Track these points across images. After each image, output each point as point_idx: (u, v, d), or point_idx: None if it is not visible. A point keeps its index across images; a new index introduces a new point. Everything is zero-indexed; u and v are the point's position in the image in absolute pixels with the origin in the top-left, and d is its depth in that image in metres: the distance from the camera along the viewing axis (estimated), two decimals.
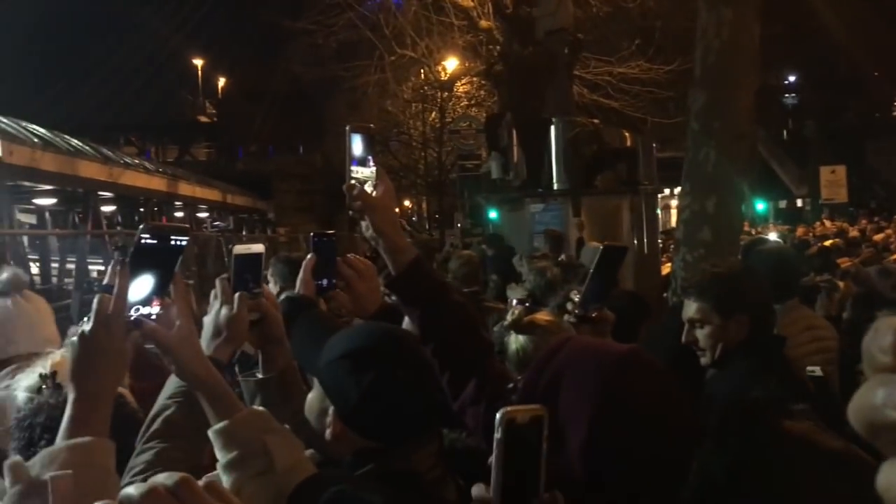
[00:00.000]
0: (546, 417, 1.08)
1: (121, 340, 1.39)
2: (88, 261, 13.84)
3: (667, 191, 19.70)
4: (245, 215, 34.94)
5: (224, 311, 1.73)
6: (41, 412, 1.80)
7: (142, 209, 23.89)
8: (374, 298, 2.18)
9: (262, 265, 1.83)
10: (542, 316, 2.62)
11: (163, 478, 0.80)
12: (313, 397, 1.66)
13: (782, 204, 34.64)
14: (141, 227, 1.44)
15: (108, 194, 19.95)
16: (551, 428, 1.08)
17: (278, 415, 1.64)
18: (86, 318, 1.38)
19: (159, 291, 1.45)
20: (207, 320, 1.74)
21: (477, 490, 1.14)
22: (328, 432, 1.52)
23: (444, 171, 25.81)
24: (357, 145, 1.83)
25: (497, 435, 1.06)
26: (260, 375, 1.85)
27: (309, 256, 2.17)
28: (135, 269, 1.39)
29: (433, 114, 25.68)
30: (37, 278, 14.42)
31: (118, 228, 17.90)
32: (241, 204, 34.60)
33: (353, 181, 1.80)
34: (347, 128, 1.84)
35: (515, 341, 2.57)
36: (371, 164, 1.84)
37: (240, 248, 1.81)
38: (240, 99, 53.30)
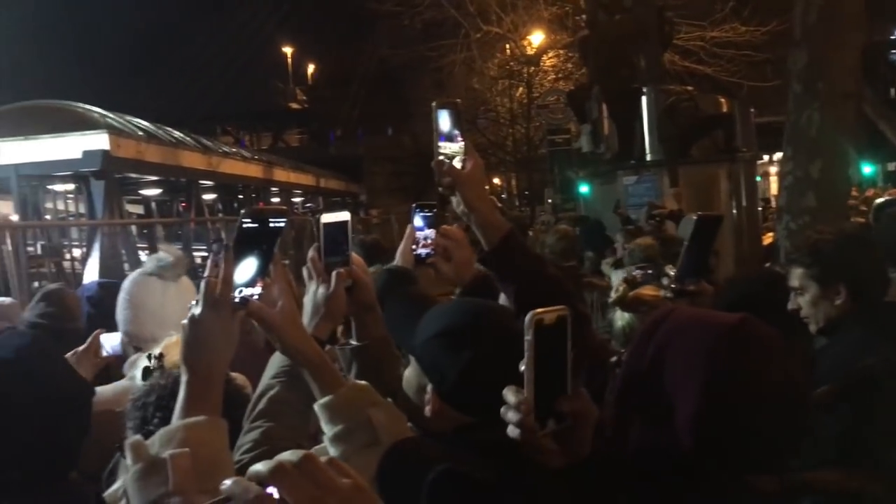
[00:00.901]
0: (570, 317, 1.17)
1: (228, 322, 1.42)
2: (193, 248, 14.37)
3: (766, 157, 18.94)
4: (338, 198, 35.55)
5: (321, 289, 1.75)
6: (153, 392, 1.87)
7: (240, 196, 24.62)
8: (469, 267, 2.16)
9: (350, 232, 1.83)
10: (648, 291, 2.55)
11: (288, 455, 0.83)
12: (410, 374, 1.67)
13: (892, 166, 32.84)
14: (242, 211, 1.48)
15: (208, 183, 20.63)
16: (656, 400, 1.07)
17: (374, 382, 1.66)
18: (194, 302, 1.43)
19: (261, 272, 1.49)
20: (306, 300, 1.76)
21: (509, 392, 1.17)
22: (427, 409, 1.53)
23: (532, 147, 25.58)
24: (444, 121, 1.82)
25: (527, 336, 1.13)
26: (354, 343, 1.87)
27: (409, 227, 2.17)
28: (238, 252, 1.43)
29: (520, 89, 25.46)
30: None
31: (220, 215, 18.49)
32: (333, 187, 35.23)
33: (441, 157, 1.80)
34: (433, 104, 1.84)
35: (622, 318, 2.53)
36: (459, 139, 1.83)
37: (327, 217, 1.81)
38: (329, 84, 54.09)
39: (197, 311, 1.41)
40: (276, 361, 1.73)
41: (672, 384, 1.30)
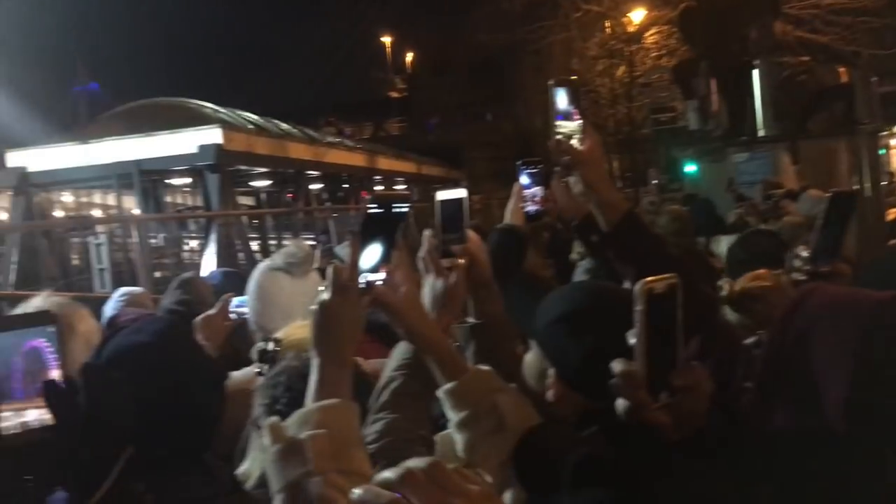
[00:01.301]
0: (680, 286, 1.12)
1: (355, 307, 1.45)
2: (302, 236, 14.78)
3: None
4: (438, 185, 35.77)
5: (439, 283, 1.73)
6: (283, 374, 1.92)
7: (345, 185, 25.13)
8: (579, 209, 2.07)
9: (466, 209, 1.80)
10: (758, 283, 2.42)
11: (415, 461, 0.83)
12: (531, 359, 1.65)
13: None
14: (368, 197, 1.51)
15: (314, 173, 21.13)
16: (803, 381, 1.03)
17: (492, 360, 1.66)
18: (322, 288, 1.46)
19: (385, 258, 1.50)
20: (424, 293, 1.74)
21: (619, 364, 1.15)
22: (550, 394, 1.52)
23: (635, 127, 25.02)
24: (561, 99, 1.79)
25: (637, 307, 1.11)
26: (472, 321, 1.85)
27: (516, 185, 2.14)
28: (363, 238, 1.46)
29: (621, 68, 24.91)
30: (258, 255, 15.61)
31: (327, 204, 18.96)
32: (435, 174, 35.48)
33: (558, 136, 1.78)
34: (550, 82, 1.81)
35: (731, 314, 2.42)
36: (576, 117, 1.79)
37: (442, 194, 1.79)
38: (428, 72, 54.36)
39: (325, 296, 1.43)
40: (399, 353, 1.73)
41: (821, 365, 1.25)
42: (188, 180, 16.70)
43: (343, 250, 5.65)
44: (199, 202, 16.30)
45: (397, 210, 1.50)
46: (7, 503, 1.31)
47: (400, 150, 33.64)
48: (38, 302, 2.49)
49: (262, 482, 1.98)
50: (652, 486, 1.23)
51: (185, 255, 13.44)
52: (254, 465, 2.08)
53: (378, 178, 27.67)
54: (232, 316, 3.03)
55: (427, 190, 32.42)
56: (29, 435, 1.31)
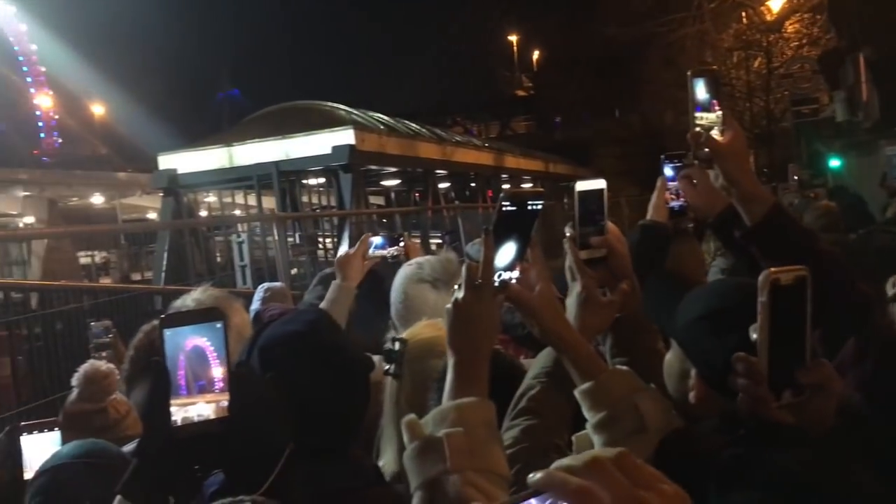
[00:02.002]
0: (809, 278, 1.04)
1: (490, 305, 1.44)
2: (430, 235, 14.98)
3: None
4: (566, 183, 35.43)
5: (584, 293, 1.69)
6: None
7: (472, 184, 25.30)
8: (719, 199, 1.97)
9: (605, 200, 1.77)
10: None
11: (603, 451, 0.82)
12: (672, 358, 1.61)
13: None
14: (501, 195, 1.49)
15: (443, 172, 21.39)
16: None
17: (629, 355, 1.63)
18: (457, 286, 1.47)
19: (520, 256, 1.49)
20: (569, 301, 1.71)
21: (739, 359, 1.11)
22: (691, 395, 1.48)
23: (773, 121, 23.91)
24: (700, 90, 1.75)
25: (761, 298, 1.05)
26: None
27: (660, 179, 2.08)
28: (498, 236, 1.45)
29: (758, 60, 23.85)
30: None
31: (456, 203, 19.16)
32: (562, 172, 35.16)
33: (697, 128, 1.74)
34: (689, 73, 1.76)
35: None
36: (716, 108, 1.74)
37: (582, 185, 1.76)
38: (554, 69, 53.87)
39: (460, 294, 1.44)
40: (539, 361, 1.72)
41: None
42: (322, 180, 17.27)
43: (473, 249, 5.69)
44: (332, 201, 16.82)
45: (532, 207, 1.48)
46: (176, 490, 1.37)
47: (526, 148, 33.53)
48: (196, 295, 2.64)
49: (400, 477, 2.05)
50: (803, 488, 1.19)
51: (320, 252, 13.90)
52: (390, 459, 2.15)
53: (505, 176, 27.69)
54: (371, 255, 3.15)
55: (554, 188, 32.18)
56: (195, 427, 1.36)
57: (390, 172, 19.62)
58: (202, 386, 1.38)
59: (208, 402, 1.38)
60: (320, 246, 14.01)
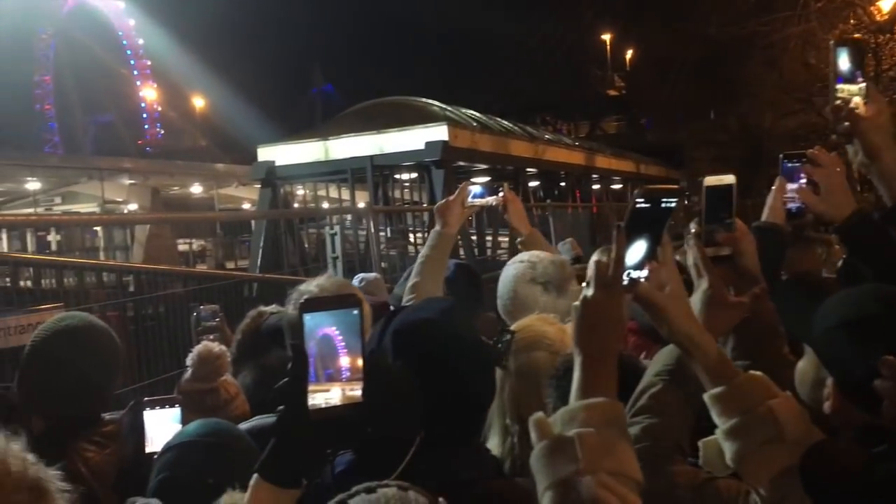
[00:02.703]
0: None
1: (619, 304, 1.41)
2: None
3: None
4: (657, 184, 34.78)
5: (710, 290, 1.64)
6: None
7: (562, 183, 25.11)
8: (846, 200, 1.88)
9: (735, 197, 1.72)
10: None
11: None
12: (806, 366, 1.55)
13: None
14: (636, 191, 1.45)
15: (533, 170, 21.30)
16: None
17: (752, 360, 1.56)
18: (585, 284, 1.44)
19: (650, 255, 1.46)
20: (695, 298, 1.66)
21: (887, 362, 1.08)
22: (827, 405, 1.43)
23: None
24: (843, 60, 1.67)
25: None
26: None
27: (779, 179, 2.00)
28: (629, 233, 1.42)
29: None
30: (474, 250, 15.98)
31: (548, 202, 19.02)
32: (653, 174, 34.53)
33: (838, 101, 1.65)
34: (832, 43, 1.69)
35: None
36: (860, 79, 1.67)
37: (711, 180, 1.72)
38: (648, 69, 53.02)
39: (588, 292, 1.41)
40: (660, 359, 1.68)
41: None
42: (413, 175, 17.44)
43: (563, 248, 5.62)
44: (419, 197, 16.96)
45: (666, 205, 1.43)
46: (309, 471, 1.40)
47: (617, 148, 33.07)
48: (320, 281, 2.68)
49: (517, 470, 2.03)
50: None
51: (410, 247, 14.04)
52: (494, 447, 2.14)
53: (595, 176, 27.37)
54: (469, 203, 3.13)
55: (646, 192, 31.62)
56: (329, 412, 1.37)
57: (480, 169, 19.65)
58: (330, 374, 1.39)
59: (336, 390, 1.40)
60: (410, 240, 14.14)
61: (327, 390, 1.38)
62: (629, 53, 59.32)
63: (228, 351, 3.59)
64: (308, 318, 1.38)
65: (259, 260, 14.02)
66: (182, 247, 29.71)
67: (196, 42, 59.12)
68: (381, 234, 12.28)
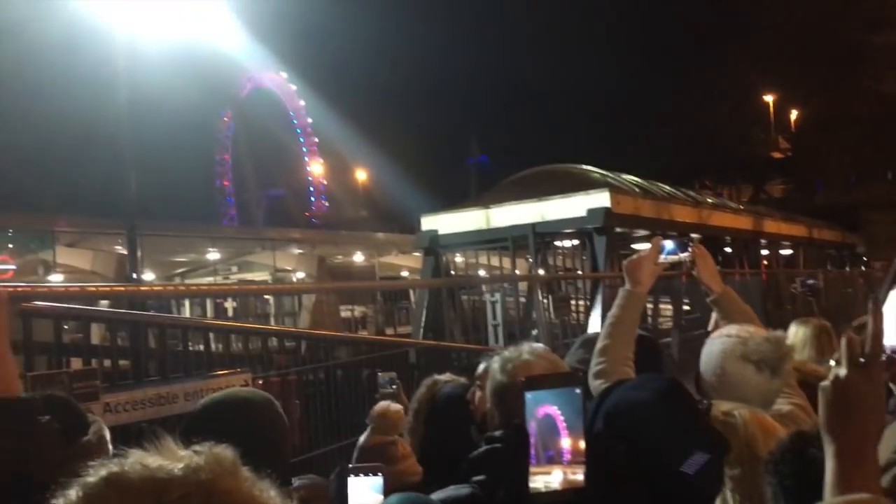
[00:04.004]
0: None
1: (878, 384, 1.28)
2: (683, 301, 14.43)
3: None
4: (832, 250, 32.68)
5: None
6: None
7: (727, 249, 24.14)
8: None
9: None
10: None
11: None
12: None
13: None
14: None
15: (697, 235, 20.64)
16: None
17: None
18: (834, 362, 1.31)
19: None
20: None
21: None
22: None
23: None
24: None
25: None
26: None
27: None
28: (889, 306, 1.29)
29: None
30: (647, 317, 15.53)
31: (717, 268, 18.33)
32: (827, 238, 32.53)
33: None
34: None
35: None
36: None
37: None
38: (815, 129, 51.04)
39: (841, 371, 1.28)
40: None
41: None
42: (572, 242, 17.37)
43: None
44: (579, 264, 16.80)
45: None
46: None
47: (785, 212, 31.53)
48: (526, 356, 2.59)
49: None
50: None
51: (572, 314, 13.85)
52: None
53: (764, 241, 26.16)
54: (661, 260, 2.94)
55: (819, 255, 29.84)
56: (551, 496, 1.32)
57: (641, 235, 19.26)
58: (550, 456, 1.34)
59: (557, 473, 1.33)
60: (573, 308, 13.95)
61: (548, 473, 1.33)
62: (794, 113, 57.26)
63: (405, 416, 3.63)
64: (529, 396, 1.33)
65: (422, 327, 14.27)
66: (344, 313, 30.84)
67: (359, 119, 62.37)
68: (544, 301, 12.18)
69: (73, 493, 0.85)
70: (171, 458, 0.87)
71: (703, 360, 2.78)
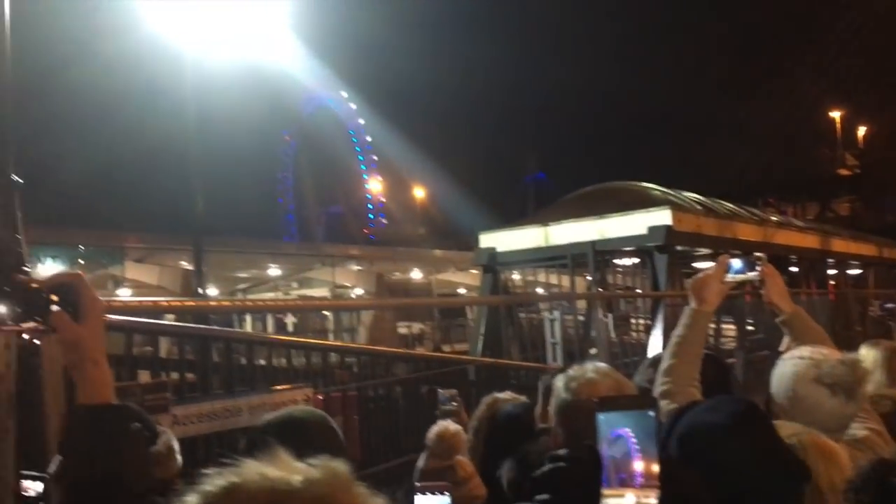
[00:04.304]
0: None
1: None
2: (746, 322, 14.12)
3: None
4: None
5: None
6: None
7: (793, 268, 23.51)
8: None
9: None
10: None
11: None
12: None
13: None
14: None
15: (760, 254, 20.14)
16: None
17: None
18: None
19: None
20: None
21: None
22: None
23: None
24: None
25: None
26: None
27: None
28: None
29: None
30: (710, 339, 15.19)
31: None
32: None
33: None
34: None
35: None
36: None
37: None
38: (884, 145, 49.61)
39: None
40: None
41: None
42: (632, 261, 17.14)
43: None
44: (639, 282, 16.56)
45: None
46: None
47: (852, 231, 30.57)
48: (591, 374, 2.56)
49: None
50: None
51: (633, 333, 13.67)
52: None
53: (831, 260, 25.39)
54: (727, 279, 2.86)
55: (889, 275, 28.81)
56: None
57: (703, 254, 18.89)
58: (622, 479, 1.32)
59: (630, 497, 1.31)
60: (633, 327, 13.77)
61: (620, 496, 1.31)
62: (862, 130, 55.80)
63: (465, 435, 3.61)
64: (602, 418, 1.32)
65: (480, 345, 14.23)
66: (402, 330, 30.98)
67: (418, 136, 62.91)
68: (604, 319, 12.05)
69: (193, 501, 0.86)
70: (289, 470, 0.87)
71: (775, 382, 2.71)
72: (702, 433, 1.66)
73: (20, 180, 3.51)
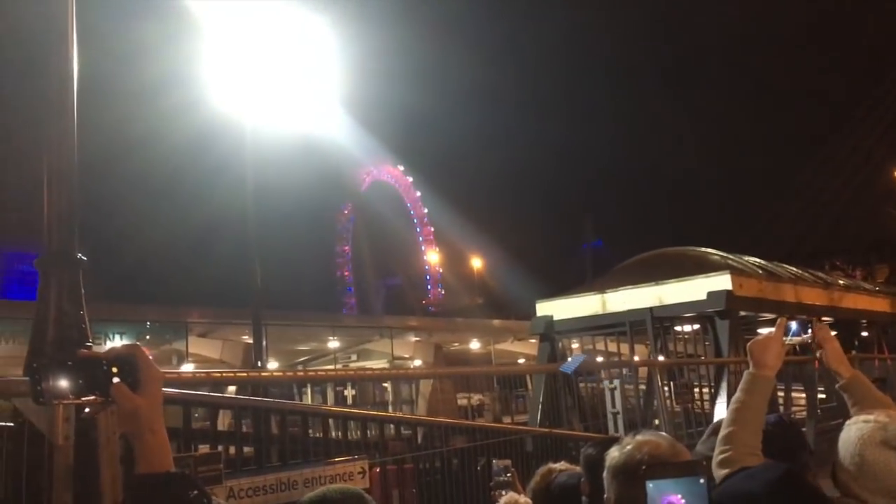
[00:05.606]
0: None
1: None
2: (818, 388, 13.64)
3: None
4: None
5: None
6: None
7: (864, 333, 22.72)
8: None
9: None
10: None
11: None
12: None
13: None
14: None
15: (829, 319, 19.57)
16: None
17: None
18: None
19: None
20: None
21: None
22: None
23: None
24: None
25: None
26: None
27: None
28: None
29: None
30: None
31: (853, 353, 17.27)
32: None
33: None
34: None
35: None
36: None
37: None
38: None
39: None
40: None
41: None
42: (693, 327, 16.82)
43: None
44: (701, 349, 16.20)
45: None
46: None
47: None
48: (643, 437, 2.52)
49: None
50: None
51: (696, 403, 13.28)
52: None
53: None
54: (786, 341, 2.79)
55: None
56: None
57: (767, 319, 18.42)
58: None
59: None
60: (696, 396, 13.39)
61: None
62: None
63: None
64: (651, 486, 1.31)
65: (539, 415, 14.01)
66: (461, 401, 30.64)
67: (474, 207, 63.55)
68: (666, 388, 11.78)
69: None
70: None
71: (840, 447, 2.61)
72: (733, 500, 1.63)
73: (84, 258, 3.65)
